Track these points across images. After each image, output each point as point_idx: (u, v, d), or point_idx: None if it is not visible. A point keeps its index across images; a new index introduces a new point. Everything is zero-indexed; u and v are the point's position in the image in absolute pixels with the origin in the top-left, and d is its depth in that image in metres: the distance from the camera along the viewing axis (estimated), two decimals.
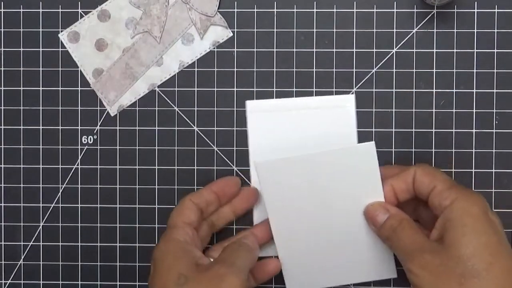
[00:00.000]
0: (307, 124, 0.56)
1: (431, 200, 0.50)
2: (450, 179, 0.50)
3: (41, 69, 0.58)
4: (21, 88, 0.58)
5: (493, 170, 0.56)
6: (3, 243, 0.58)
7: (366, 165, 0.51)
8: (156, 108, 0.57)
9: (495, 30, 0.56)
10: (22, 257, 0.58)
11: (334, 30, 0.57)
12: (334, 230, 0.53)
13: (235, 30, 0.57)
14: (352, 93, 0.56)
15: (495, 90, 0.56)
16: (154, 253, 0.51)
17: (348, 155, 0.51)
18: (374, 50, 0.56)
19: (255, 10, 0.57)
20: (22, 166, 0.58)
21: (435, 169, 0.52)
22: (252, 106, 0.56)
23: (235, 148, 0.57)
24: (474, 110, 0.56)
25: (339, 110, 0.56)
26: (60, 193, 0.58)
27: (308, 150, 0.52)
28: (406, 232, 0.50)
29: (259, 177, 0.52)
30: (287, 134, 0.56)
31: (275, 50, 0.57)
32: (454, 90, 0.56)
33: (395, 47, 0.56)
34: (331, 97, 0.56)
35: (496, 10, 0.56)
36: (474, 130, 0.56)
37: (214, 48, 0.57)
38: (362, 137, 0.57)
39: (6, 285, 0.58)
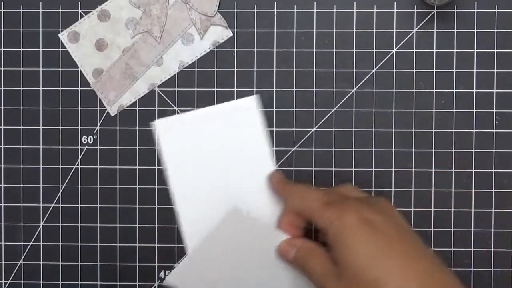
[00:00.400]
0: (218, 132, 0.56)
1: (314, 222, 0.49)
2: (321, 197, 0.49)
3: (41, 69, 0.58)
4: (21, 88, 0.58)
5: (493, 170, 0.56)
6: (3, 243, 0.58)
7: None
8: (156, 108, 0.57)
9: (495, 30, 0.56)
10: (22, 257, 0.58)
11: (334, 30, 0.57)
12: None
13: (235, 30, 0.57)
14: (254, 94, 0.56)
15: (495, 90, 0.56)
16: None
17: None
18: (374, 50, 0.56)
19: (255, 10, 0.57)
20: (22, 166, 0.58)
21: (307, 189, 0.51)
22: (161, 126, 0.57)
23: None
24: (474, 110, 0.56)
25: (244, 113, 0.56)
26: (60, 193, 0.58)
27: (224, 158, 0.54)
28: (314, 261, 0.49)
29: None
30: (201, 146, 0.56)
31: (275, 50, 0.57)
32: (454, 90, 0.56)
33: (395, 47, 0.56)
34: (235, 101, 0.56)
35: (496, 10, 0.56)
36: (474, 130, 0.56)
37: (214, 48, 0.57)
38: (362, 137, 0.57)
39: (6, 285, 0.58)
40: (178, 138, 0.54)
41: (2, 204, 0.58)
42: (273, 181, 0.55)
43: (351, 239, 0.45)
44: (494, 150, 0.56)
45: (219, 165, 0.55)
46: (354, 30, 0.57)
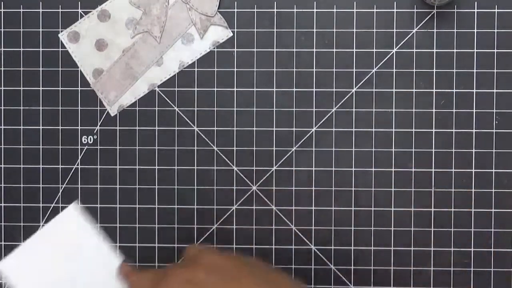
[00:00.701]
0: (58, 252, 0.53)
1: None
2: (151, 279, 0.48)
3: (41, 69, 0.58)
4: (21, 88, 0.58)
5: (493, 170, 0.56)
6: (3, 243, 0.58)
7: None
8: (156, 108, 0.57)
9: (495, 30, 0.56)
10: None
11: (334, 30, 0.57)
12: None
13: (235, 30, 0.57)
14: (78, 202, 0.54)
15: (495, 90, 0.56)
16: None
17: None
18: (374, 50, 0.56)
19: (255, 10, 0.57)
20: (22, 166, 0.58)
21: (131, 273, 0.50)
22: (8, 268, 0.53)
23: (235, 148, 0.57)
24: (474, 110, 0.56)
25: (69, 224, 0.53)
26: (60, 193, 0.58)
27: (73, 272, 0.52)
28: None
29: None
30: (51, 271, 0.53)
31: (275, 50, 0.57)
32: (454, 90, 0.56)
33: (395, 47, 0.56)
34: (56, 217, 0.53)
35: (496, 10, 0.56)
36: (474, 130, 0.56)
37: (214, 48, 0.57)
38: (362, 137, 0.57)
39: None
40: (28, 273, 0.52)
41: (2, 204, 0.58)
42: (122, 272, 0.53)
43: None
44: (494, 150, 0.56)
45: (71, 281, 0.52)
46: (354, 30, 0.57)
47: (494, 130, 0.56)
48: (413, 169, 0.57)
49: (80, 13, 0.58)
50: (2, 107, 0.58)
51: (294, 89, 0.57)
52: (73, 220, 0.52)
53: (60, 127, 0.58)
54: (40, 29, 0.58)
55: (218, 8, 0.57)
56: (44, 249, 0.52)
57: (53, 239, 0.52)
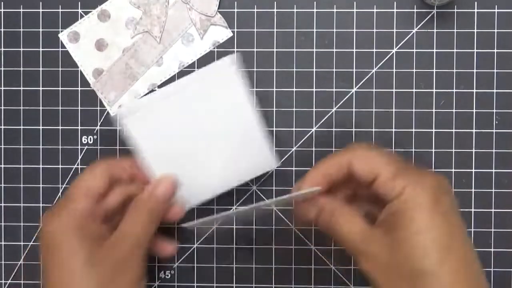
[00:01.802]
0: (195, 103, 0.52)
1: (375, 190, 0.45)
2: (393, 162, 0.45)
3: (41, 69, 0.58)
4: (21, 88, 0.58)
5: (493, 170, 0.56)
6: (3, 243, 0.58)
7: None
8: None
9: (495, 30, 0.56)
10: (22, 257, 0.58)
11: (334, 30, 0.57)
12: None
13: (235, 30, 0.57)
14: (235, 53, 0.52)
15: (495, 90, 0.56)
16: (45, 232, 0.48)
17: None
18: (374, 50, 0.56)
19: (255, 10, 0.57)
20: (22, 166, 0.58)
21: (374, 153, 0.46)
22: (125, 112, 0.52)
23: None
24: (474, 110, 0.56)
25: (222, 76, 0.51)
26: (60, 193, 0.58)
27: (206, 129, 0.51)
28: (342, 226, 0.45)
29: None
30: (179, 123, 0.52)
31: (275, 50, 0.57)
32: (454, 90, 0.56)
33: (395, 47, 0.56)
34: (210, 66, 0.51)
35: (496, 10, 0.56)
36: (474, 130, 0.56)
37: (214, 48, 0.57)
38: (362, 137, 0.57)
39: (6, 285, 0.58)
40: (151, 125, 0.50)
41: (2, 204, 0.58)
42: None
43: (419, 218, 0.42)
44: (494, 150, 0.56)
45: (201, 138, 0.51)
46: (354, 30, 0.57)
47: (494, 130, 0.56)
48: None
49: (80, 13, 0.58)
50: (2, 107, 0.58)
51: (294, 89, 0.57)
52: (225, 72, 0.49)
53: (60, 127, 0.58)
54: (40, 29, 0.58)
55: (218, 8, 0.57)
56: (178, 98, 0.49)
57: (195, 88, 0.49)
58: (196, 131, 0.52)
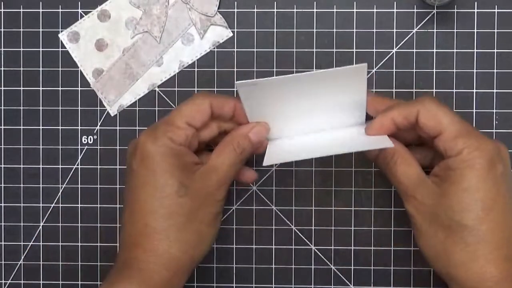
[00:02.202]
0: (313, 97, 0.51)
1: (436, 144, 0.48)
2: (458, 122, 0.48)
3: (41, 69, 0.58)
4: (21, 88, 0.58)
5: None
6: (3, 243, 0.58)
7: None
8: (156, 108, 0.57)
9: (495, 30, 0.56)
10: (22, 257, 0.58)
11: (334, 30, 0.57)
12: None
13: (235, 30, 0.57)
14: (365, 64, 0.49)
15: (495, 90, 0.56)
16: (143, 150, 0.49)
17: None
18: (374, 50, 0.56)
19: (255, 10, 0.57)
20: (22, 166, 0.58)
21: (442, 110, 0.48)
22: (242, 82, 0.49)
23: None
24: (474, 110, 0.56)
25: (349, 80, 0.50)
26: (60, 193, 0.58)
27: (314, 119, 0.51)
28: (399, 167, 0.49)
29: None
30: (289, 110, 0.52)
31: (275, 50, 0.57)
32: (454, 90, 0.56)
33: (395, 47, 0.56)
34: (342, 68, 0.49)
35: (496, 10, 0.56)
36: None
37: (214, 48, 0.57)
38: None
39: (6, 285, 0.58)
40: (264, 101, 0.50)
41: (2, 204, 0.58)
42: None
43: (470, 177, 0.46)
44: None
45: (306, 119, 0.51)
46: (354, 30, 0.57)
47: (494, 130, 0.56)
48: None
49: (80, 13, 0.58)
50: (2, 107, 0.58)
51: None
52: (354, 78, 0.49)
53: (60, 127, 0.58)
54: (40, 29, 0.58)
55: (218, 8, 0.57)
56: (298, 87, 0.49)
57: (319, 83, 0.49)
58: (304, 121, 0.52)
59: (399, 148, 0.49)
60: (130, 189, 0.49)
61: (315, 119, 0.52)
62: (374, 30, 0.56)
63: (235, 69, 0.57)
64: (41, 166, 0.58)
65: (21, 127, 0.58)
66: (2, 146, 0.58)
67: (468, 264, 0.46)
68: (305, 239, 0.57)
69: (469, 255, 0.46)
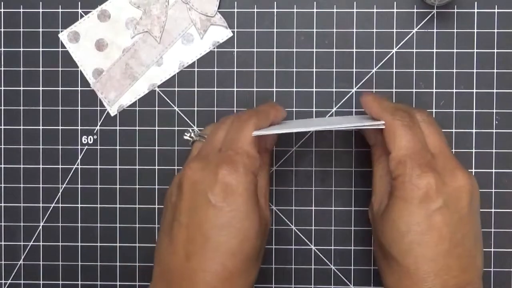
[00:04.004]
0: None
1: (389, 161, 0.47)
2: (412, 148, 0.45)
3: (41, 69, 0.58)
4: (21, 88, 0.58)
5: (493, 170, 0.56)
6: (3, 243, 0.58)
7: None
8: (156, 108, 0.58)
9: (495, 30, 0.56)
10: (22, 257, 0.58)
11: (334, 30, 0.57)
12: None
13: (235, 30, 0.57)
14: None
15: (495, 90, 0.56)
16: (217, 183, 0.44)
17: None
18: (374, 50, 0.56)
19: (255, 10, 0.57)
20: (22, 166, 0.58)
21: (405, 130, 0.46)
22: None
23: None
24: (474, 110, 0.56)
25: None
26: (60, 193, 0.58)
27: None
28: (379, 171, 0.50)
29: None
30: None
31: (275, 50, 0.57)
32: (454, 90, 0.56)
33: (395, 47, 0.56)
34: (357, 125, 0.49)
35: (496, 10, 0.56)
36: (474, 130, 0.56)
37: (214, 48, 0.57)
38: (363, 138, 0.56)
39: (6, 285, 0.58)
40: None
41: (2, 204, 0.58)
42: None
43: (402, 209, 0.45)
44: (494, 150, 0.56)
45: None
46: (354, 30, 0.57)
47: (494, 130, 0.56)
48: None
49: (80, 13, 0.58)
50: (2, 107, 0.58)
51: (294, 89, 0.57)
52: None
53: (60, 127, 0.58)
54: (40, 29, 0.58)
55: (218, 8, 0.57)
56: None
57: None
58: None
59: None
60: (200, 220, 0.45)
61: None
62: (374, 30, 0.56)
63: (235, 69, 0.57)
64: (41, 166, 0.58)
65: (21, 127, 0.58)
66: (2, 146, 0.58)
67: None
68: (305, 239, 0.57)
69: (396, 283, 0.46)
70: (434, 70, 0.56)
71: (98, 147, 0.58)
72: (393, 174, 0.46)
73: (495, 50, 0.56)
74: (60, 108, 0.58)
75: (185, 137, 0.52)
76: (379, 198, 0.49)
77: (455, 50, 0.56)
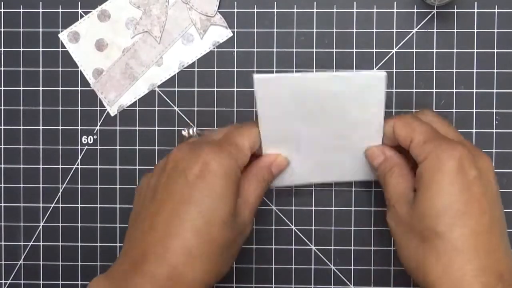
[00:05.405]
0: (327, 100, 0.49)
1: (411, 152, 0.48)
2: (429, 130, 0.47)
3: (41, 69, 0.58)
4: (21, 88, 0.58)
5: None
6: (3, 243, 0.58)
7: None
8: (156, 108, 0.58)
9: (495, 30, 0.56)
10: (22, 257, 0.58)
11: (334, 30, 0.57)
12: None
13: (235, 30, 0.57)
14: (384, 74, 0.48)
15: (495, 90, 0.56)
16: (198, 162, 0.45)
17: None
18: (374, 50, 0.56)
19: (255, 10, 0.57)
20: (22, 166, 0.58)
21: (414, 119, 0.48)
22: (261, 83, 0.48)
23: None
24: (474, 110, 0.56)
25: (367, 86, 0.49)
26: (60, 193, 0.58)
27: (322, 128, 0.51)
28: (393, 179, 0.49)
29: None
30: (302, 110, 0.50)
31: (275, 50, 0.57)
32: (454, 90, 0.56)
33: (395, 47, 0.56)
34: (361, 73, 0.49)
35: (496, 10, 0.56)
36: (474, 130, 0.56)
37: (214, 48, 0.57)
38: None
39: (6, 285, 0.58)
40: (278, 98, 0.48)
41: (2, 204, 0.58)
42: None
43: (438, 181, 0.44)
44: (494, 150, 0.56)
45: (317, 128, 0.51)
46: (354, 30, 0.57)
47: (494, 130, 0.56)
48: None
49: (80, 13, 0.58)
50: (2, 107, 0.58)
51: None
52: (373, 85, 0.48)
53: (60, 127, 0.58)
54: (40, 29, 0.58)
55: (218, 8, 0.57)
56: (314, 87, 0.48)
57: (335, 86, 0.48)
58: (314, 125, 0.51)
59: (400, 162, 0.50)
60: (172, 195, 0.45)
61: (327, 133, 0.51)
62: (374, 30, 0.56)
63: (235, 69, 0.57)
64: (41, 166, 0.58)
65: (21, 127, 0.58)
66: (2, 146, 0.58)
67: (443, 278, 0.43)
68: (305, 239, 0.57)
69: (444, 267, 0.43)
70: (434, 70, 0.56)
71: (98, 147, 0.58)
72: (420, 158, 0.46)
73: (495, 50, 0.56)
74: (60, 108, 0.58)
75: (183, 133, 0.54)
76: (403, 198, 0.48)
77: (455, 50, 0.56)
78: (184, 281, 0.44)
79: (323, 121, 0.50)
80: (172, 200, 0.45)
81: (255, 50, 0.57)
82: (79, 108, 0.58)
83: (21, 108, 0.58)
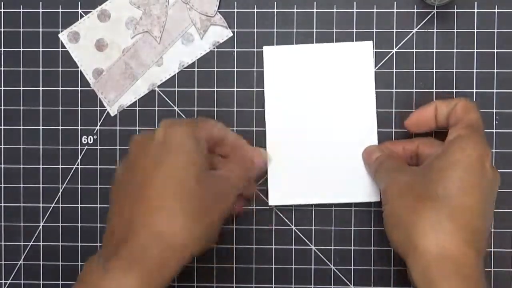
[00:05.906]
0: (325, 71, 0.56)
1: (452, 112, 0.50)
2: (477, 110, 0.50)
3: (41, 69, 0.58)
4: (21, 88, 0.58)
5: None
6: (3, 243, 0.58)
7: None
8: (156, 108, 0.58)
9: (495, 30, 0.56)
10: (22, 257, 0.58)
11: (334, 30, 0.57)
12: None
13: (235, 30, 0.57)
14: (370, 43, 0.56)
15: (495, 90, 0.56)
16: (159, 134, 0.48)
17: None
18: (374, 50, 0.56)
19: (255, 10, 0.57)
20: (22, 166, 0.58)
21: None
22: (270, 53, 0.56)
23: None
24: None
25: (357, 56, 0.56)
26: (60, 193, 0.58)
27: (325, 98, 0.56)
28: (390, 161, 0.52)
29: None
30: (305, 82, 0.56)
31: None
32: (454, 90, 0.56)
33: (395, 47, 0.56)
34: (349, 43, 0.56)
35: (496, 10, 0.56)
36: None
37: (214, 48, 0.57)
38: None
39: (6, 285, 0.58)
40: (283, 68, 0.56)
41: (2, 204, 0.58)
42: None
43: (465, 157, 0.47)
44: (494, 150, 0.56)
45: (318, 105, 0.56)
46: (354, 30, 0.57)
47: (494, 130, 0.56)
48: None
49: (80, 13, 0.58)
50: (2, 107, 0.58)
51: None
52: (360, 54, 0.56)
53: (60, 127, 0.58)
54: (40, 29, 0.58)
55: (218, 8, 0.57)
56: (313, 58, 0.56)
57: (329, 57, 0.56)
58: (314, 105, 0.56)
59: (397, 156, 0.54)
60: (138, 170, 0.48)
61: (324, 111, 0.56)
62: (374, 30, 0.56)
63: (235, 69, 0.57)
64: (41, 166, 0.58)
65: (21, 127, 0.58)
66: (2, 146, 0.58)
67: (429, 234, 0.46)
68: (305, 239, 0.57)
69: (433, 225, 0.46)
70: (434, 70, 0.56)
71: (98, 147, 0.58)
72: (459, 126, 0.49)
73: (495, 50, 0.56)
74: (60, 108, 0.58)
75: None
76: (405, 166, 0.51)
77: (455, 50, 0.56)
78: (168, 241, 0.45)
79: (322, 99, 0.55)
80: (143, 171, 0.47)
81: (255, 50, 0.57)
82: (79, 108, 0.58)
83: (21, 108, 0.58)
